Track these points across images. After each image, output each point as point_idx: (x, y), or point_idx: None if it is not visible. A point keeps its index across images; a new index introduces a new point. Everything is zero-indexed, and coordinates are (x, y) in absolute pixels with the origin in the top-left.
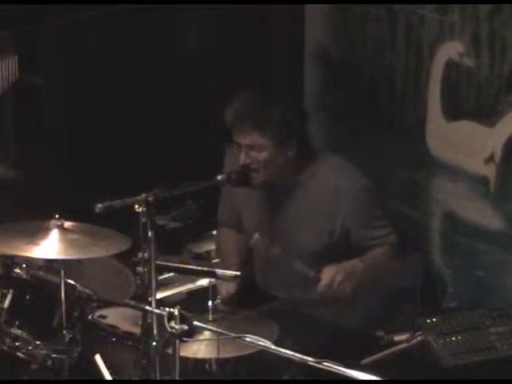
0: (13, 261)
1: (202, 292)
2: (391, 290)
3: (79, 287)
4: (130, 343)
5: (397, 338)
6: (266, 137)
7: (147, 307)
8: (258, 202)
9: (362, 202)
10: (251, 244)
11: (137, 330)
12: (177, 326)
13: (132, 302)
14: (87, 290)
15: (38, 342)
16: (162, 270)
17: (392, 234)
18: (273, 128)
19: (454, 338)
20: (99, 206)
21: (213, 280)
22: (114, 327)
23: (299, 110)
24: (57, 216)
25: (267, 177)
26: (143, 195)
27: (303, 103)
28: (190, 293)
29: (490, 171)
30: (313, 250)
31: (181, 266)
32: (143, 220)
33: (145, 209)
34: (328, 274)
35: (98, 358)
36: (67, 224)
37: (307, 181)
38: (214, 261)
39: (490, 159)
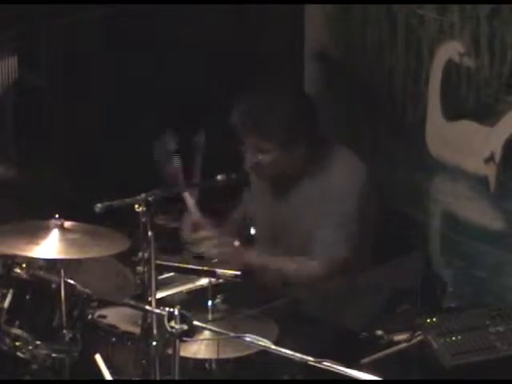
0: (13, 261)
1: (202, 292)
2: (391, 290)
3: (79, 287)
4: (129, 343)
5: (397, 337)
6: (270, 141)
7: (147, 307)
8: (266, 193)
9: (345, 203)
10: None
11: (137, 330)
12: (177, 326)
13: (132, 302)
14: (87, 290)
15: (38, 342)
16: (161, 269)
17: (340, 253)
18: (276, 133)
19: (454, 338)
20: (99, 205)
21: (213, 280)
22: (114, 327)
23: (307, 110)
24: (57, 216)
25: (276, 173)
26: (143, 195)
27: (312, 99)
28: (190, 293)
29: (489, 171)
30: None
31: (181, 265)
32: (143, 220)
33: (145, 209)
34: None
35: (98, 357)
36: (67, 224)
37: (316, 175)
38: (214, 261)
39: (489, 159)
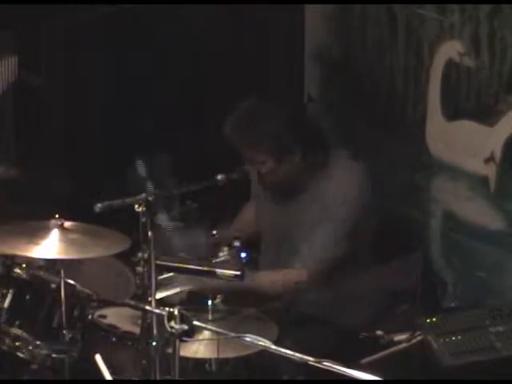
0: (13, 261)
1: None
2: (391, 290)
3: (79, 287)
4: (130, 343)
5: (397, 337)
6: (262, 152)
7: (147, 307)
8: (270, 202)
9: (339, 211)
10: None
11: (137, 330)
12: (177, 326)
13: (132, 302)
14: (87, 290)
15: (38, 342)
16: (162, 269)
17: (320, 262)
18: (268, 144)
19: (453, 338)
20: (99, 205)
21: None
22: (113, 327)
23: (302, 120)
24: (57, 216)
25: (276, 180)
26: (143, 195)
27: (308, 107)
28: (190, 293)
29: (489, 171)
30: (327, 255)
31: (181, 265)
32: (143, 220)
33: (145, 209)
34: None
35: (98, 357)
36: (67, 224)
37: (315, 182)
38: (214, 260)
39: (489, 159)
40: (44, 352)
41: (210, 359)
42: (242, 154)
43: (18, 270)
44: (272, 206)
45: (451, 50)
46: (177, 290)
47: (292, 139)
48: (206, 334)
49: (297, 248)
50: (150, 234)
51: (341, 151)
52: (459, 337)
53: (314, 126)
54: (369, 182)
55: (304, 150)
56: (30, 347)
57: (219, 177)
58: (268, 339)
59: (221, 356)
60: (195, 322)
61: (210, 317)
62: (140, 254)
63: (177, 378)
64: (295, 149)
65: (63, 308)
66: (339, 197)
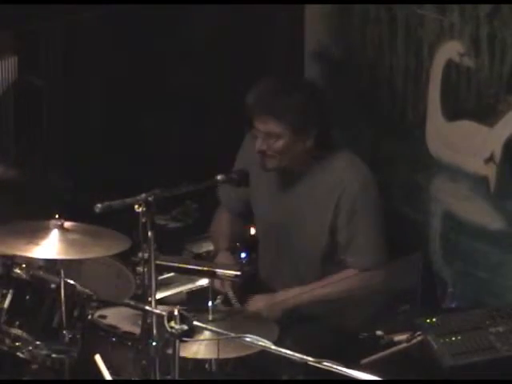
0: (13, 261)
1: (202, 292)
2: (391, 290)
3: (79, 287)
4: (129, 343)
5: (397, 338)
6: (283, 125)
7: (147, 307)
8: (268, 187)
9: (358, 202)
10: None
11: (137, 330)
12: (177, 326)
13: (132, 302)
14: (87, 290)
15: (38, 342)
16: (161, 269)
17: (373, 260)
18: (290, 117)
19: (453, 338)
20: (99, 205)
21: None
22: (113, 327)
23: (321, 101)
24: (57, 216)
25: (282, 164)
26: (143, 195)
27: (326, 94)
28: (190, 293)
29: (489, 171)
30: (315, 245)
31: (181, 266)
32: (143, 220)
33: (145, 209)
34: (253, 306)
35: (98, 358)
36: (67, 224)
37: (319, 172)
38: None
39: (489, 159)
40: (44, 352)
41: (210, 359)
42: (255, 129)
43: (17, 270)
44: (272, 197)
45: (451, 50)
46: (176, 290)
47: (311, 118)
48: (207, 334)
49: (299, 238)
50: (149, 234)
51: (341, 150)
52: (459, 337)
53: (327, 116)
54: (373, 179)
55: (317, 137)
56: (30, 347)
57: (219, 177)
58: (268, 339)
59: (221, 356)
60: (195, 323)
61: (210, 317)
62: (140, 254)
63: (177, 378)
64: (312, 129)
65: (63, 308)
66: (345, 189)
